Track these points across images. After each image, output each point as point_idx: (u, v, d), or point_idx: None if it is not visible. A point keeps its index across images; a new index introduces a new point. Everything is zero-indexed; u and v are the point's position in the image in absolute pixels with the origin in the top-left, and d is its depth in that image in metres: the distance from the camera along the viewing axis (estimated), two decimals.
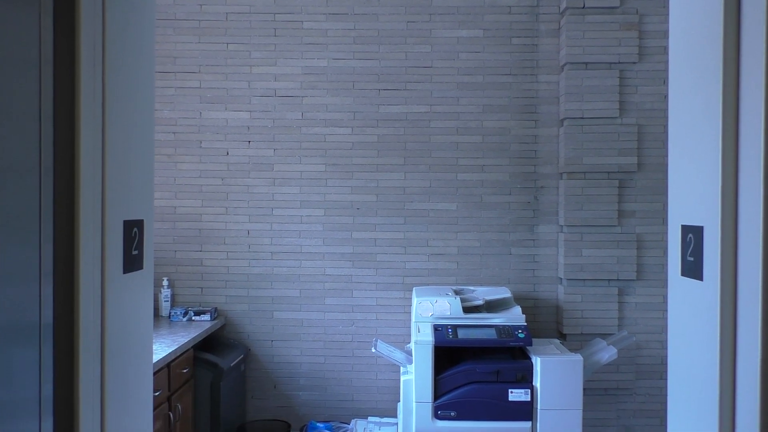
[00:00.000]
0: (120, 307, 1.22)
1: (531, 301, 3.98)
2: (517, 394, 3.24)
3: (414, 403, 3.27)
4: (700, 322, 1.15)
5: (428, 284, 3.96)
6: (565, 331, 3.87)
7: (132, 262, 1.29)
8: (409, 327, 3.98)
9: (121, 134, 1.25)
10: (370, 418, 3.83)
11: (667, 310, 3.84)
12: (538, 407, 3.24)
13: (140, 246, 1.32)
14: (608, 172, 3.88)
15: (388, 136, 4.02)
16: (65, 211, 1.07)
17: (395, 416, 3.88)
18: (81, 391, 1.08)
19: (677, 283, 1.24)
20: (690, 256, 1.16)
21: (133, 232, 1.29)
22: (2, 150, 0.92)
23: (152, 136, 1.42)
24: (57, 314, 1.06)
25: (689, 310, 1.20)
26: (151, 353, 1.43)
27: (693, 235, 1.14)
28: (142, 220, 1.33)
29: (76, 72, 1.07)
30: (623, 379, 3.87)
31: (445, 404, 3.26)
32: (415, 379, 3.27)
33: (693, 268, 1.15)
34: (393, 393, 4.00)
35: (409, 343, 3.87)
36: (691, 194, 1.19)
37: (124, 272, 1.26)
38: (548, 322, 3.98)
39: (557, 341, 3.67)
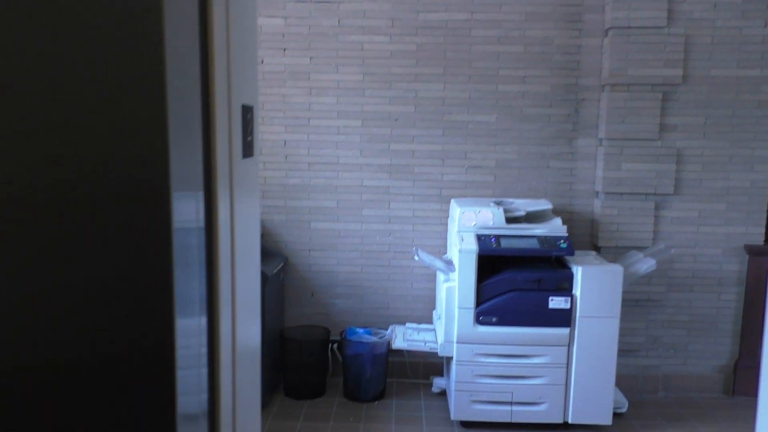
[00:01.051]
0: (243, 196, 1.23)
1: (567, 215, 3.99)
2: (557, 302, 3.31)
3: (456, 309, 3.36)
4: None
5: (465, 196, 3.98)
6: (600, 244, 3.91)
7: (247, 147, 1.28)
8: (445, 238, 4.03)
9: (238, 29, 1.22)
10: (407, 324, 3.94)
11: (701, 225, 3.89)
12: (577, 314, 3.32)
13: (252, 132, 1.32)
14: (652, 85, 3.81)
15: (427, 45, 3.92)
16: (206, 100, 1.04)
17: (430, 323, 3.99)
18: (221, 290, 1.09)
19: None
20: None
21: (248, 117, 1.28)
22: (172, 61, 0.88)
23: (256, 33, 1.40)
24: (206, 216, 1.05)
25: None
26: (258, 248, 1.45)
27: None
28: (253, 107, 1.32)
29: None
30: (654, 291, 3.95)
31: (486, 310, 3.35)
32: (459, 286, 3.34)
33: None
34: (427, 302, 4.09)
35: (446, 253, 3.93)
36: None
37: (243, 157, 1.25)
38: (583, 235, 4.02)
39: (594, 253, 3.73)
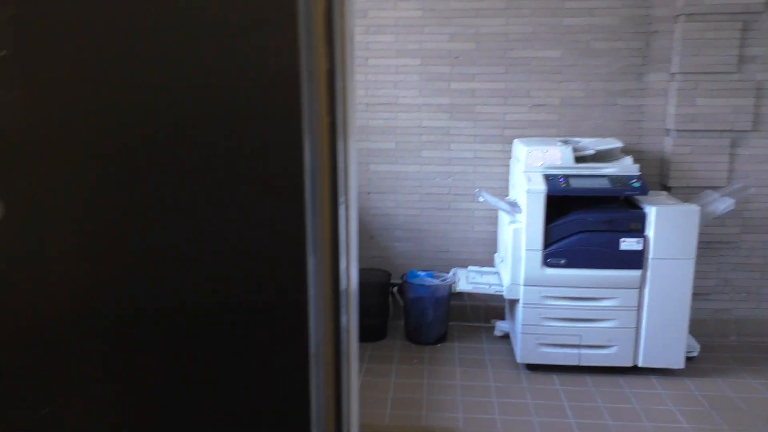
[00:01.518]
0: (351, 127, 1.16)
1: (635, 154, 3.82)
2: (629, 243, 3.21)
3: (524, 251, 3.28)
4: None
5: (528, 136, 3.84)
6: (670, 184, 3.75)
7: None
8: (507, 180, 3.93)
9: None
10: (469, 268, 3.89)
11: None
12: (650, 256, 3.21)
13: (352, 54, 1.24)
14: (731, 13, 3.56)
15: None
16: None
17: (492, 266, 3.94)
18: (340, 232, 1.04)
19: None
20: None
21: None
22: None
23: None
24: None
25: None
26: (356, 184, 1.39)
27: None
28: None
29: None
30: (728, 232, 3.80)
31: (555, 252, 3.26)
32: (526, 227, 3.26)
33: None
34: (488, 245, 4.02)
35: (507, 195, 3.84)
36: None
37: None
38: (651, 175, 3.86)
39: (665, 193, 3.58)
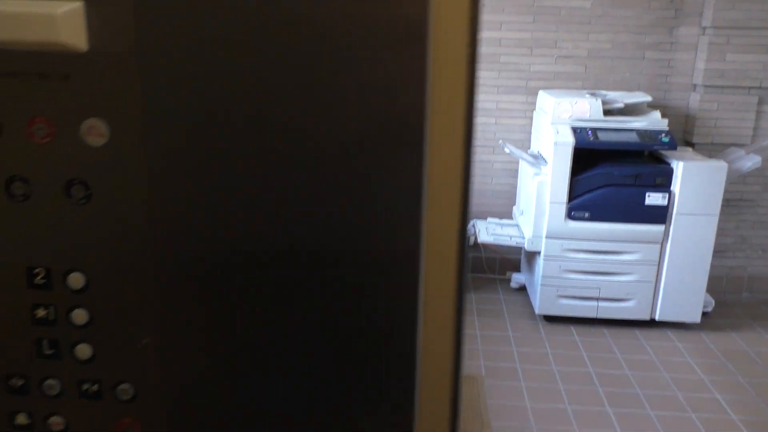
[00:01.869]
0: None
1: (660, 109, 3.78)
2: (654, 198, 3.21)
3: (548, 204, 3.28)
4: None
5: (553, 88, 3.79)
6: (694, 141, 3.73)
7: None
8: (529, 132, 3.89)
9: None
10: (489, 220, 3.89)
11: None
12: (674, 211, 3.22)
13: None
14: None
15: None
16: None
17: (510, 219, 3.94)
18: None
19: None
20: None
21: None
22: None
23: None
24: None
25: None
26: None
27: None
28: None
29: None
30: (748, 190, 3.80)
31: (579, 205, 3.26)
32: (551, 180, 3.25)
33: None
34: (507, 197, 4.02)
35: (529, 148, 3.81)
36: None
37: None
38: (675, 131, 3.82)
39: (690, 149, 3.57)
